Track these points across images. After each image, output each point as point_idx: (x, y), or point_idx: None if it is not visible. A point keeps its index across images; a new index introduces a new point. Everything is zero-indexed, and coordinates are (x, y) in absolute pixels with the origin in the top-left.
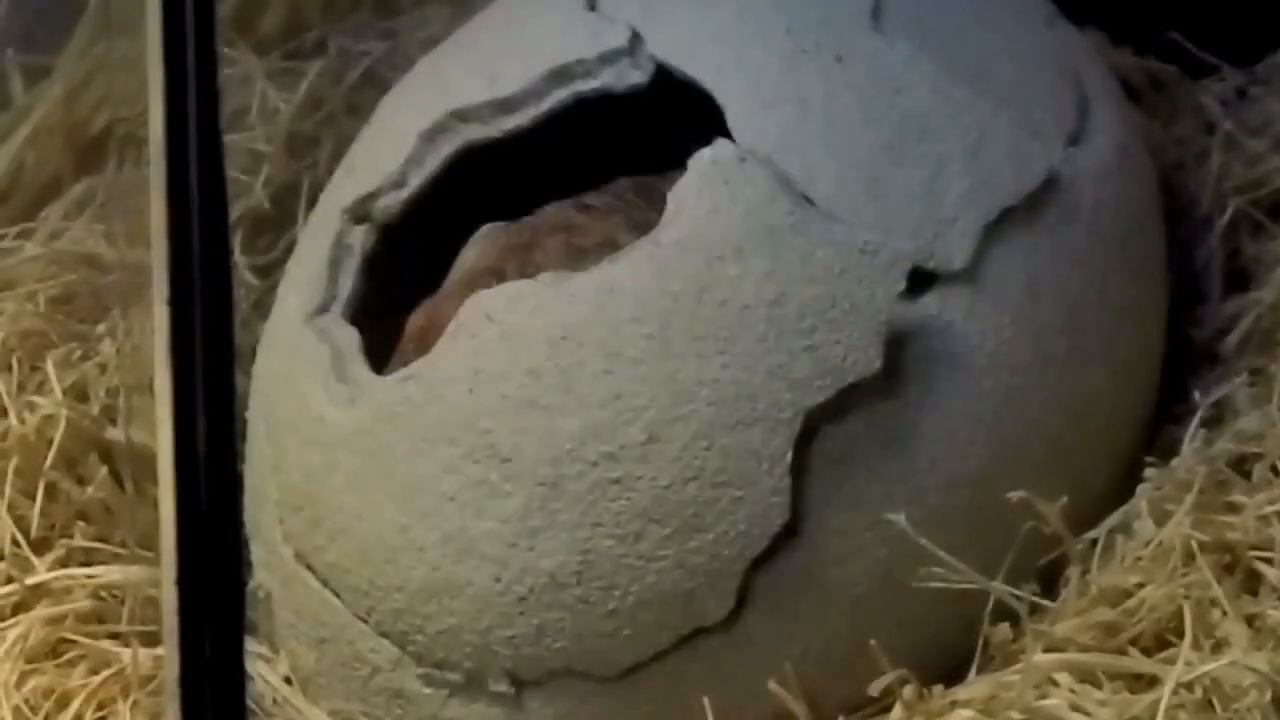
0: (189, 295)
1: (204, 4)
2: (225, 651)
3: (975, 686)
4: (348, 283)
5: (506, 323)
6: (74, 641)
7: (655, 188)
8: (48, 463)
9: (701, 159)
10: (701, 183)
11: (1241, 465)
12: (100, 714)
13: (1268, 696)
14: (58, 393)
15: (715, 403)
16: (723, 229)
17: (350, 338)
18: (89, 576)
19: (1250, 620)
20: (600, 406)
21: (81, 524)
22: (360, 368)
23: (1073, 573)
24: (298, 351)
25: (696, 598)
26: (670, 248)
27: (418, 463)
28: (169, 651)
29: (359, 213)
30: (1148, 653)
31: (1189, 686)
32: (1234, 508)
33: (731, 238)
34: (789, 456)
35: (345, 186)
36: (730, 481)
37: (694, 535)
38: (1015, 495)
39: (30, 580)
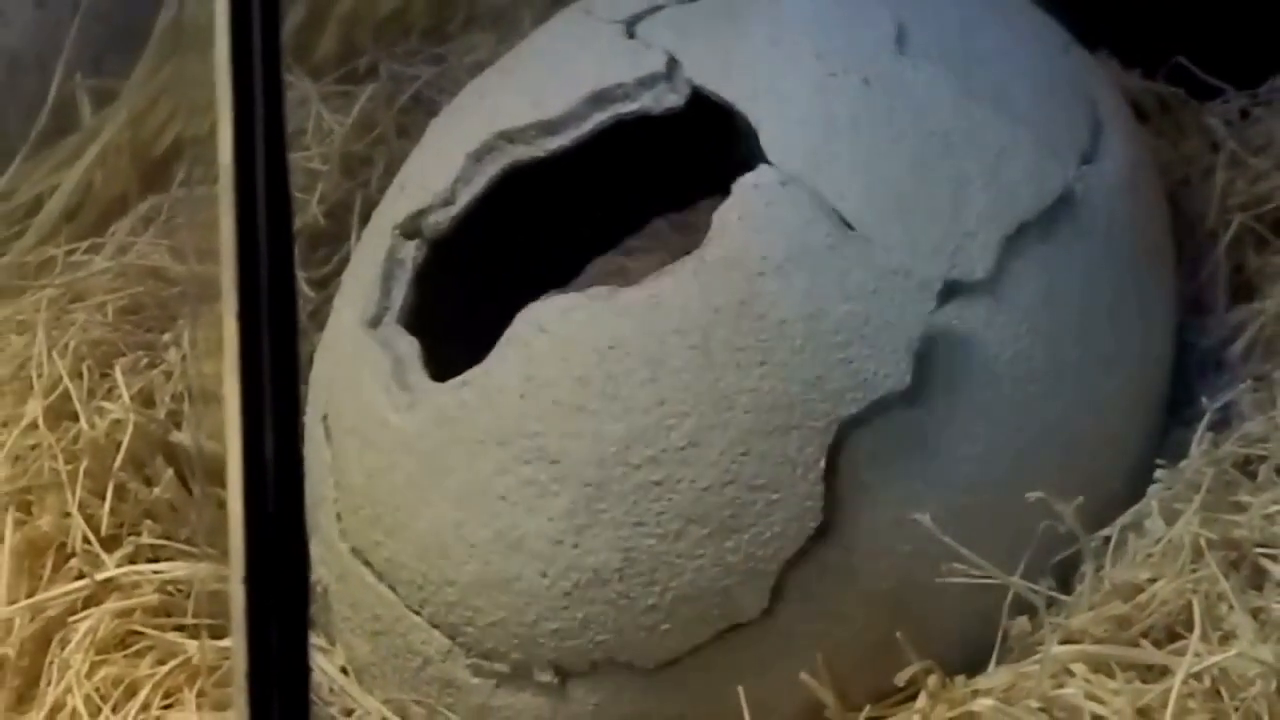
0: (256, 308)
1: (270, 29)
2: (290, 645)
3: (995, 676)
4: (399, 295)
5: (558, 333)
6: (142, 634)
7: (690, 223)
8: (116, 464)
9: (745, 183)
10: (744, 204)
11: (1247, 467)
12: (167, 702)
13: (1273, 686)
14: (126, 398)
15: (753, 410)
16: (764, 247)
17: (410, 346)
18: (156, 572)
19: (1256, 614)
20: (644, 412)
21: (149, 522)
22: (419, 375)
23: (1088, 569)
24: (361, 359)
25: (733, 595)
26: (713, 264)
27: (472, 464)
28: (237, 646)
29: (410, 229)
30: (1159, 645)
31: (1198, 677)
32: (1240, 507)
33: (772, 256)
34: (822, 463)
35: (397, 204)
36: (766, 485)
37: (731, 535)
38: (1033, 496)
39: (100, 576)
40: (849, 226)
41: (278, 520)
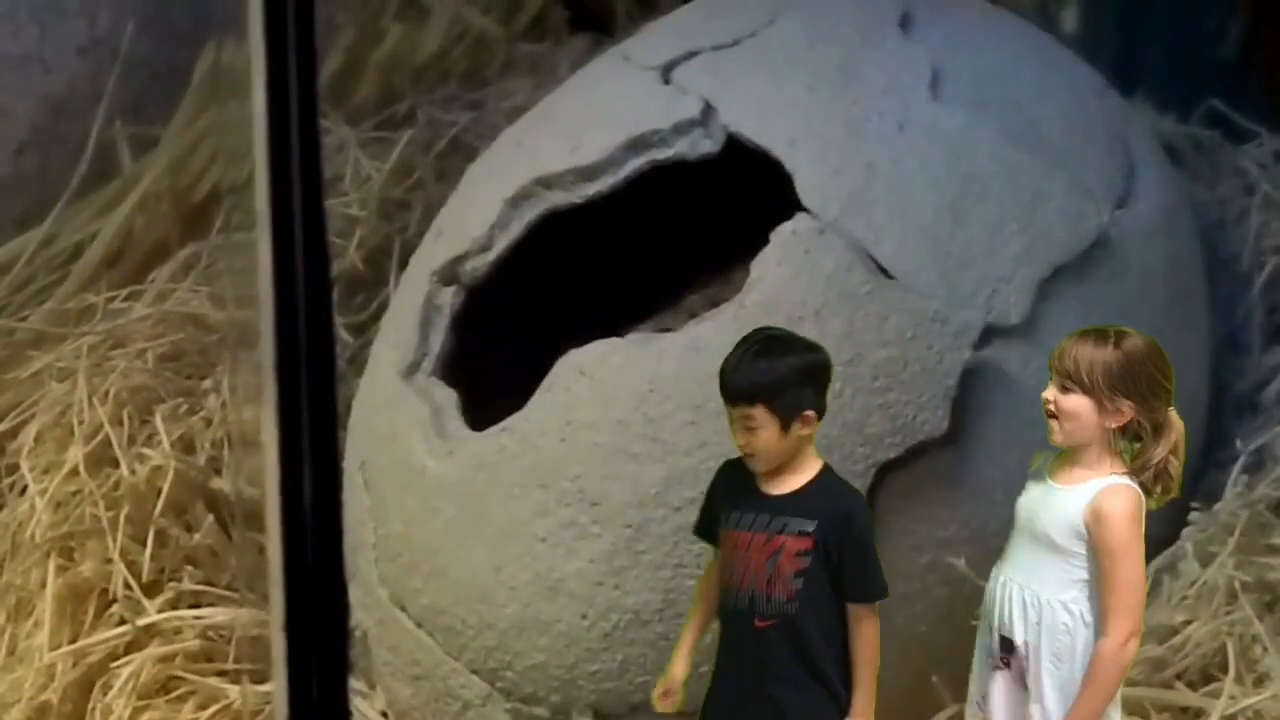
0: (294, 354)
1: (306, 77)
2: (330, 691)
3: None
4: (437, 341)
5: (598, 376)
6: (183, 679)
7: (721, 298)
8: (157, 511)
9: (783, 231)
10: (783, 251)
11: None
12: None
13: None
14: (166, 445)
15: None
16: (802, 293)
17: (447, 395)
18: (197, 618)
19: None
20: (685, 454)
21: (190, 568)
22: (457, 423)
23: None
24: (398, 408)
25: None
26: (753, 309)
27: (511, 507)
28: (278, 693)
29: (448, 275)
30: (1193, 687)
31: (1233, 719)
32: (1275, 549)
33: (810, 301)
34: None
35: (435, 250)
36: None
37: None
38: None
39: (142, 621)
40: (886, 273)
41: (316, 567)
